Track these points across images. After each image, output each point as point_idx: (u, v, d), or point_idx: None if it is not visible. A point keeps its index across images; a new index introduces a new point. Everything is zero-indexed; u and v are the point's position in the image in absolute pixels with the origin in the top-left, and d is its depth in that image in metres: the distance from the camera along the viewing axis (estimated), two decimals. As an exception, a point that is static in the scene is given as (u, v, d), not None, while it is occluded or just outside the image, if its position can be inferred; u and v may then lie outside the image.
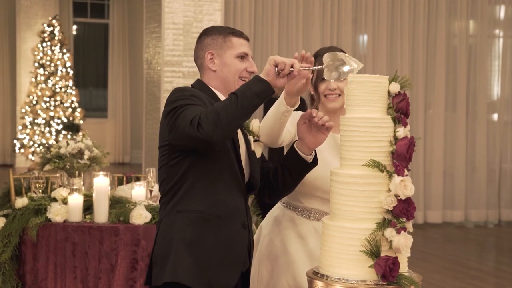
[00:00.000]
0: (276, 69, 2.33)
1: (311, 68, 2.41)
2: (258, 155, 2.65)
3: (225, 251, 2.48)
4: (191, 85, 2.60)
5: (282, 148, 2.77)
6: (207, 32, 2.60)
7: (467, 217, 9.00)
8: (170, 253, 2.44)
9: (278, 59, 2.33)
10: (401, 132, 2.23)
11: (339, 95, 2.78)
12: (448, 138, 8.97)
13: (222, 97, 2.54)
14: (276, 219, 2.89)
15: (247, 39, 2.60)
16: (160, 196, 2.58)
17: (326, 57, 2.39)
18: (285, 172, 2.62)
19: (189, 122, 2.30)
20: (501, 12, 9.24)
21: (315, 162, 2.61)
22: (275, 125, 2.54)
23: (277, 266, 2.81)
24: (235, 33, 2.57)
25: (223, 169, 2.47)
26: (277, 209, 2.93)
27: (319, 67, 2.41)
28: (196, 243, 2.44)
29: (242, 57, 2.56)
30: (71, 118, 12.22)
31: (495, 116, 9.26)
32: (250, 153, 2.60)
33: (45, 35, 12.34)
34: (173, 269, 2.42)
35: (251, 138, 2.64)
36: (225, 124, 2.27)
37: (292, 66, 2.33)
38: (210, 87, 2.56)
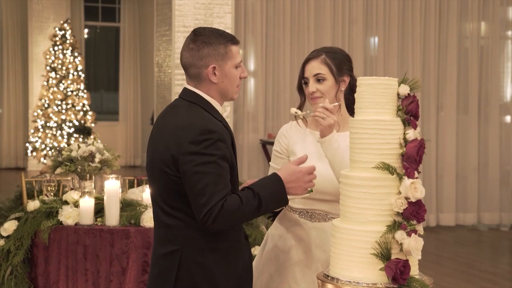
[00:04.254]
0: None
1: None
2: None
3: (244, 271, 2.50)
4: (181, 96, 2.51)
5: None
6: (205, 40, 2.44)
7: (480, 220, 8.93)
8: None
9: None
10: (411, 134, 2.22)
11: (321, 97, 2.79)
12: (460, 140, 8.92)
13: (217, 105, 2.49)
14: (280, 223, 2.89)
15: (239, 43, 2.56)
16: (167, 214, 2.45)
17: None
18: None
19: (207, 209, 2.28)
20: (513, 13, 9.20)
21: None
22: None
23: (279, 269, 2.81)
24: (233, 41, 2.49)
25: (233, 186, 2.45)
26: (282, 212, 2.93)
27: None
28: (222, 275, 2.42)
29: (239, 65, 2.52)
30: (82, 121, 12.27)
31: (508, 118, 9.21)
32: None
33: (57, 38, 12.40)
34: None
35: None
36: (234, 224, 2.37)
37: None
38: (208, 98, 2.48)
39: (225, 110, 2.61)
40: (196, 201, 2.31)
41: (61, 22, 12.56)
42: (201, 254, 2.40)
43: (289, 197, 2.43)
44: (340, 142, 2.63)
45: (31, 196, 4.27)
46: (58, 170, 4.18)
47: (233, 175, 2.43)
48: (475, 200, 8.89)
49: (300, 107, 2.89)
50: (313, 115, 2.69)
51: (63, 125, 12.11)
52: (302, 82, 2.85)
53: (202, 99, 2.47)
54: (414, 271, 2.23)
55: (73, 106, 12.25)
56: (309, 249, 2.77)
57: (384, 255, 2.15)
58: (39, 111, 12.26)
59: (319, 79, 2.77)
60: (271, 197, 2.37)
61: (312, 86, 2.78)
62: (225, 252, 2.42)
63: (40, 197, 4.07)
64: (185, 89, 2.52)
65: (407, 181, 2.18)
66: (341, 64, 2.80)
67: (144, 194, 4.03)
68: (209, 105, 2.47)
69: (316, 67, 2.78)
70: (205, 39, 2.45)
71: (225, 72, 2.47)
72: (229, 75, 2.48)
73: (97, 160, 4.14)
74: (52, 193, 4.05)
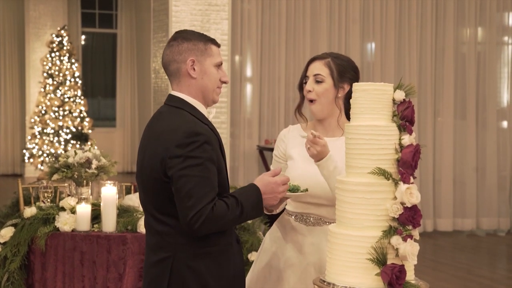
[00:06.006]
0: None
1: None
2: None
3: (235, 275, 2.50)
4: (166, 102, 2.51)
5: None
6: (185, 37, 2.50)
7: (478, 225, 8.92)
8: None
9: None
10: (407, 139, 2.23)
11: (315, 100, 2.81)
12: (458, 146, 8.93)
13: (202, 108, 2.50)
14: (277, 226, 2.91)
15: (220, 46, 2.60)
16: (158, 220, 2.44)
17: None
18: None
19: (194, 212, 2.28)
20: (510, 19, 9.22)
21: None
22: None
23: (274, 272, 2.82)
24: (214, 41, 2.53)
25: (223, 188, 2.46)
26: (281, 216, 2.95)
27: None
28: (216, 277, 2.43)
29: (219, 66, 2.54)
30: (79, 128, 12.27)
31: (505, 123, 9.22)
32: None
33: (54, 45, 12.41)
34: None
35: None
36: (218, 229, 2.37)
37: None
38: (189, 99, 2.48)
39: (211, 112, 2.62)
40: (182, 204, 2.31)
41: (58, 28, 12.57)
42: (193, 259, 2.40)
43: (271, 208, 2.54)
44: (337, 163, 2.62)
45: (28, 203, 4.26)
46: (55, 177, 4.17)
47: (222, 178, 2.44)
48: (473, 205, 8.89)
49: (299, 106, 2.92)
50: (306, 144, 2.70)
51: (60, 131, 12.10)
52: (303, 81, 2.88)
53: (187, 104, 2.48)
54: (410, 276, 2.24)
55: (70, 112, 12.25)
56: (303, 253, 2.78)
57: (380, 260, 2.16)
58: (36, 117, 12.25)
59: (317, 80, 2.81)
60: (252, 207, 2.41)
61: (309, 85, 2.82)
62: (217, 256, 2.43)
63: (37, 203, 4.07)
64: (170, 95, 2.54)
65: (402, 186, 2.19)
66: (344, 71, 2.82)
67: (141, 200, 4.03)
68: (194, 109, 2.49)
69: (318, 67, 2.83)
70: (185, 36, 2.51)
71: (204, 68, 2.49)
72: (208, 72, 2.49)
73: (93, 166, 4.14)
74: (48, 200, 4.05)
